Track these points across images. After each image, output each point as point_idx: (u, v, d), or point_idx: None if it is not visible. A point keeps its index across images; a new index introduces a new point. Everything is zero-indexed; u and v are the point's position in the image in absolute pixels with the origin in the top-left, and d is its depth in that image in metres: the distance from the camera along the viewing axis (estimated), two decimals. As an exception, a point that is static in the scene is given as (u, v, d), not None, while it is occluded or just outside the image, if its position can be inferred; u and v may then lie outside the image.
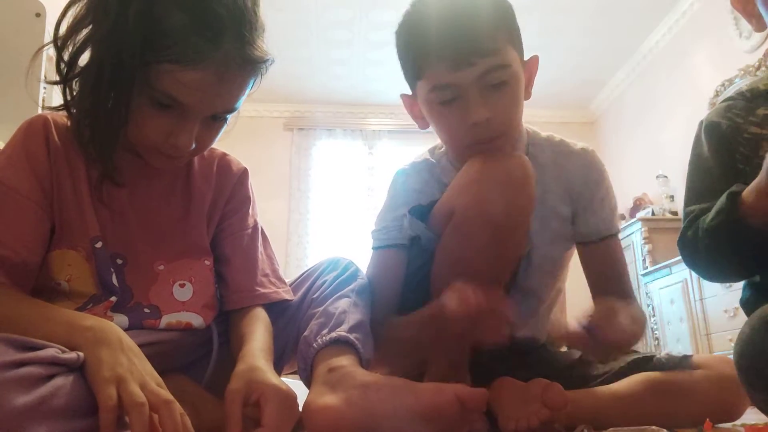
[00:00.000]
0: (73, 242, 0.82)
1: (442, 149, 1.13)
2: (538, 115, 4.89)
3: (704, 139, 1.01)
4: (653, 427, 0.78)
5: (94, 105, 0.76)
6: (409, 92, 1.07)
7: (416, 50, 0.99)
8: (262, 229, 1.00)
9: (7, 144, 0.83)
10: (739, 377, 0.74)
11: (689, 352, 1.16)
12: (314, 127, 4.80)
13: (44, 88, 1.49)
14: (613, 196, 1.11)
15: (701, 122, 1.04)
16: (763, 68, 2.93)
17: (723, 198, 0.86)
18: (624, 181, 4.33)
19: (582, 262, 1.10)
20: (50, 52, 0.80)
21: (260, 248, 0.97)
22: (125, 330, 0.71)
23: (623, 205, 4.07)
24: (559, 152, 1.10)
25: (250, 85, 0.81)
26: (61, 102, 0.81)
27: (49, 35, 2.05)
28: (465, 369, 1.03)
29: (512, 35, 1.01)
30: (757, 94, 0.97)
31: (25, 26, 1.93)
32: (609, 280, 1.07)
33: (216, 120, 0.81)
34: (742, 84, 1.05)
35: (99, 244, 0.83)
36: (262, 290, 0.92)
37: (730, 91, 1.04)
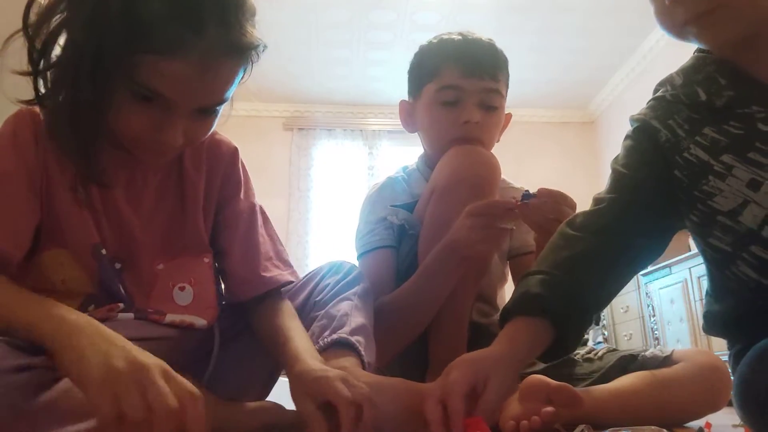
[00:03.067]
0: (65, 242, 0.79)
1: (413, 166, 1.29)
2: (538, 115, 4.90)
3: (635, 140, 0.88)
4: (653, 427, 0.78)
5: (73, 99, 0.71)
6: (406, 103, 1.27)
7: (439, 56, 1.18)
8: (261, 209, 0.97)
9: None
10: (743, 419, 0.71)
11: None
12: (314, 127, 4.79)
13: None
14: None
15: (632, 120, 0.91)
16: None
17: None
18: (624, 181, 4.34)
19: (513, 277, 1.29)
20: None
21: (260, 230, 0.94)
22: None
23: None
24: (504, 186, 1.28)
25: (240, 75, 0.76)
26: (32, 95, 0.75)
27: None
28: None
29: (507, 83, 1.21)
30: (696, 102, 0.82)
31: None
32: None
33: (205, 113, 0.77)
34: (675, 77, 0.87)
35: (104, 251, 0.80)
36: (268, 275, 0.91)
37: (666, 85, 0.89)
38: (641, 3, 3.62)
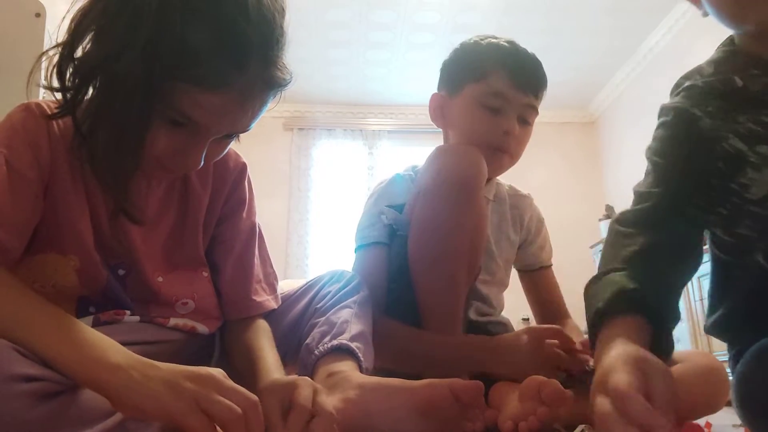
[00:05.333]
0: (63, 247, 0.77)
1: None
2: (539, 116, 4.90)
3: (674, 129, 0.84)
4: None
5: (117, 132, 0.68)
6: (439, 97, 1.24)
7: (491, 58, 1.16)
8: (259, 228, 0.96)
9: (0, 127, 0.74)
10: (743, 418, 0.71)
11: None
12: (314, 127, 4.80)
13: (43, 91, 1.47)
14: (549, 239, 1.36)
15: (666, 109, 0.87)
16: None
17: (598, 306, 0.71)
18: (623, 181, 4.34)
19: (525, 289, 1.34)
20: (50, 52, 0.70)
21: (256, 252, 0.94)
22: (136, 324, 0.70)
23: (623, 205, 4.06)
24: (513, 192, 1.34)
25: (268, 103, 0.77)
26: (55, 107, 0.72)
27: (49, 35, 2.05)
28: None
29: (541, 101, 1.21)
30: (731, 89, 0.80)
31: (25, 26, 1.93)
32: (549, 303, 1.31)
33: (229, 137, 0.78)
34: (704, 67, 0.85)
35: (112, 262, 0.80)
36: (258, 299, 0.91)
37: (694, 75, 0.87)
38: (641, 3, 3.64)
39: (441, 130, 1.27)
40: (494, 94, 1.14)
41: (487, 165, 1.08)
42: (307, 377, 0.69)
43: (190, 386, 0.56)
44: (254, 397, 0.59)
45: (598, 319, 0.70)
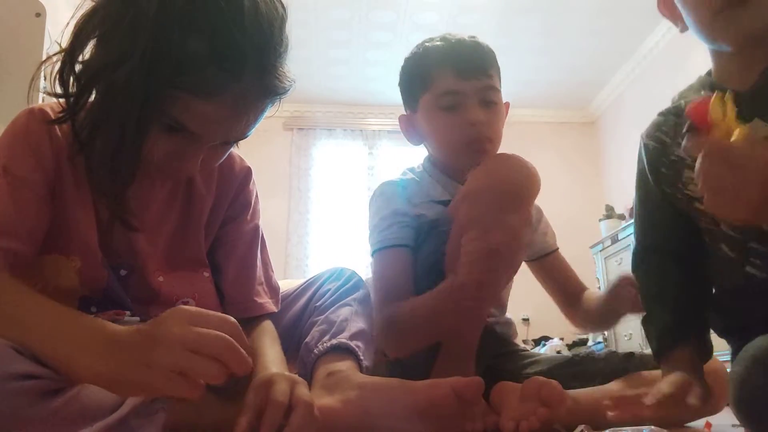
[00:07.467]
0: (66, 248, 0.77)
1: (420, 168, 1.27)
2: (538, 116, 4.90)
3: (643, 160, 1.02)
4: (652, 427, 0.78)
5: (117, 141, 0.68)
6: (405, 116, 1.27)
7: (429, 64, 1.17)
8: (261, 233, 0.97)
9: (4, 134, 0.76)
10: (739, 418, 0.71)
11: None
12: (314, 127, 4.80)
13: (44, 88, 1.47)
14: (549, 223, 1.34)
15: (642, 136, 1.03)
16: None
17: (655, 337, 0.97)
18: (623, 181, 4.33)
19: (539, 279, 1.32)
20: (49, 51, 0.74)
21: (258, 254, 0.94)
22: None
23: (623, 205, 4.07)
24: None
25: (266, 110, 0.77)
26: (58, 112, 0.73)
27: (49, 35, 2.05)
28: (471, 364, 1.04)
29: (499, 75, 1.21)
30: (679, 113, 0.93)
31: (25, 26, 1.93)
32: (567, 282, 1.30)
33: (226, 144, 0.78)
34: (675, 96, 1.05)
35: (114, 262, 0.80)
36: (259, 300, 0.91)
37: (674, 99, 1.03)
38: (641, 4, 3.63)
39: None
40: (444, 94, 1.14)
41: (475, 162, 1.05)
42: (286, 373, 0.69)
43: (159, 355, 0.55)
44: (225, 327, 0.58)
45: (658, 355, 0.96)
